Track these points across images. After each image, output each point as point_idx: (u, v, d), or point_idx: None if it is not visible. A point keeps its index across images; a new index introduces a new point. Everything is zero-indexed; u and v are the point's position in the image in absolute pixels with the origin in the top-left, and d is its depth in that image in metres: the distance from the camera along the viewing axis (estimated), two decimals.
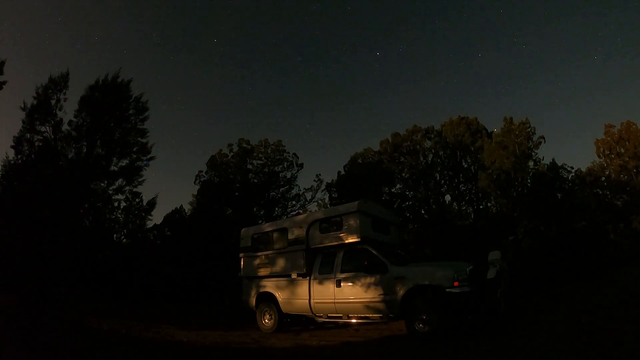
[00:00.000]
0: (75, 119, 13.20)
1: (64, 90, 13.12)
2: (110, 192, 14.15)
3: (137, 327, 7.96)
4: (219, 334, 7.42)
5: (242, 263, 8.97)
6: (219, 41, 72.96)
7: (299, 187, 21.20)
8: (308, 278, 7.37)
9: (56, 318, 6.12)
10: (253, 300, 8.36)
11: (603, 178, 17.66)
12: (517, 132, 16.04)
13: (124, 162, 14.03)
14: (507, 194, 15.51)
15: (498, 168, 15.95)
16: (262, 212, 20.38)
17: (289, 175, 21.01)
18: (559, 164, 16.60)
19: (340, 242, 7.19)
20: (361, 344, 6.03)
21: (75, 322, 6.15)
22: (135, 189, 14.83)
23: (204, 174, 21.19)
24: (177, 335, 7.17)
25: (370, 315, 6.39)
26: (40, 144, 12.60)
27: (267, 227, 9.11)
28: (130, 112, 14.15)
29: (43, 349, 4.86)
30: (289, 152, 21.10)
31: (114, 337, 6.59)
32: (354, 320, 6.68)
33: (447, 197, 18.10)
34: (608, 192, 17.29)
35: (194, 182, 21.26)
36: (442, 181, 18.19)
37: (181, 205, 21.38)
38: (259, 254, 8.57)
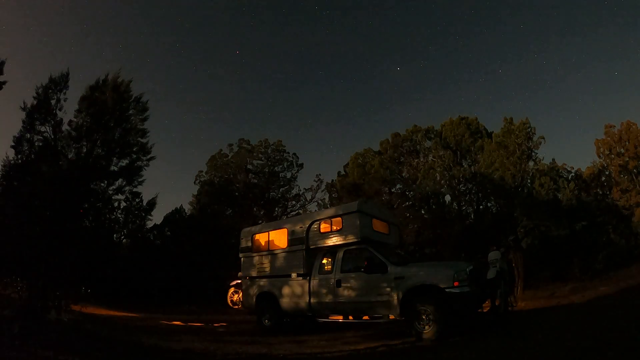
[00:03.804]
0: (75, 119, 13.16)
1: (64, 90, 13.06)
2: (110, 192, 14.11)
3: (135, 327, 7.97)
4: (218, 334, 7.42)
5: (242, 263, 8.98)
6: (221, 43, 72.98)
7: (299, 187, 21.32)
8: (308, 278, 7.37)
9: (56, 319, 6.12)
10: (253, 301, 8.36)
11: (603, 178, 17.66)
12: (517, 132, 16.02)
13: (124, 162, 14.00)
14: (507, 193, 15.50)
15: (498, 168, 15.94)
16: (262, 212, 20.42)
17: (289, 175, 21.08)
18: (559, 164, 16.63)
19: (340, 242, 7.20)
20: (361, 345, 6.02)
21: (75, 323, 6.16)
22: (135, 189, 14.79)
23: (204, 174, 21.25)
24: (176, 336, 7.17)
25: (370, 315, 6.38)
26: (40, 144, 12.55)
27: (267, 227, 9.10)
28: (130, 112, 14.10)
29: (43, 350, 4.86)
30: (289, 152, 21.17)
31: (112, 339, 6.58)
32: (353, 320, 6.67)
33: (447, 197, 18.08)
34: (608, 192, 17.29)
35: (194, 182, 21.34)
36: (442, 181, 18.15)
37: (181, 205, 21.45)
38: (259, 254, 8.57)
